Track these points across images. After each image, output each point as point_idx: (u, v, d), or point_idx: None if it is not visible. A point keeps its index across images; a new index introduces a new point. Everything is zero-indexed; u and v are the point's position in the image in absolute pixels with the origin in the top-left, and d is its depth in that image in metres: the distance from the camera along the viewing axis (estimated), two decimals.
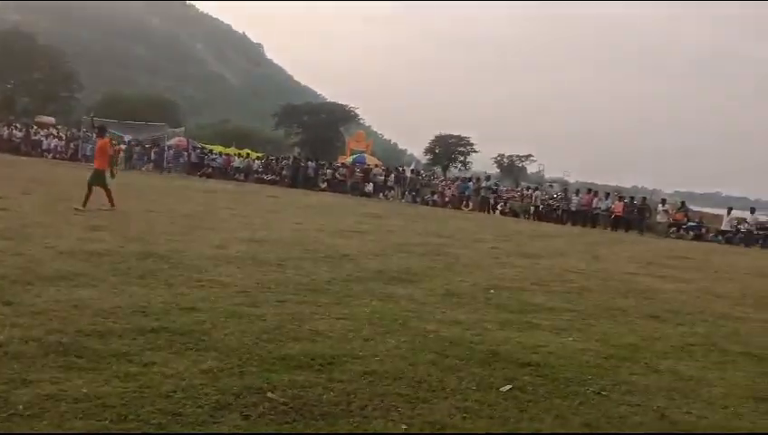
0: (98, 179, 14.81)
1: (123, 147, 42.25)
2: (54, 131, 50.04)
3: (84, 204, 14.02)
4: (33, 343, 4.63)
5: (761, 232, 28.71)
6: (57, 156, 43.85)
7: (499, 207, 34.37)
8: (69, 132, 49.34)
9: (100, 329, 5.16)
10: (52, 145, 45.50)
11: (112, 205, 14.61)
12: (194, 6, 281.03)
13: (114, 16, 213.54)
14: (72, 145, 45.09)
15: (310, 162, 42.98)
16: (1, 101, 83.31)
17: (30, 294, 6.00)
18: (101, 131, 16.91)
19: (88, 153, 43.73)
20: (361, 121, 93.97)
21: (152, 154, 42.93)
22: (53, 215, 12.55)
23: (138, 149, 43.02)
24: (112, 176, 15.41)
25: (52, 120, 59.28)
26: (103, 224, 11.75)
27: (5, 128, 47.07)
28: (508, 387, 4.76)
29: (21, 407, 3.61)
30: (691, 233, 29.36)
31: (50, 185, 20.25)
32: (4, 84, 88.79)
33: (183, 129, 49.62)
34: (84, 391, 3.92)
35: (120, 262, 8.14)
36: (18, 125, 51.04)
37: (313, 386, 4.38)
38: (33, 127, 50.57)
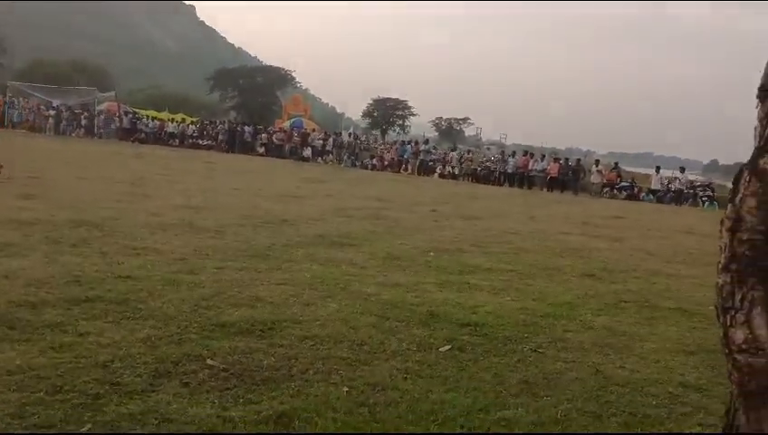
0: None
1: (50, 112, 40.98)
2: None
3: None
4: None
5: (690, 190, 29.65)
6: None
7: (438, 169, 34.58)
8: None
9: (32, 299, 5.02)
10: None
11: None
12: None
13: None
14: None
15: (246, 127, 42.43)
16: None
17: None
18: None
19: (15, 119, 42.35)
20: (299, 85, 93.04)
21: (82, 120, 41.70)
22: None
23: (67, 114, 41.73)
24: None
25: None
26: (33, 192, 11.39)
27: None
28: (447, 347, 4.82)
29: None
30: (624, 193, 30.13)
31: None
32: None
33: (114, 93, 48.22)
34: (17, 362, 3.81)
35: (52, 230, 7.92)
36: None
37: (254, 352, 4.36)
38: None
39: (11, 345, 4.07)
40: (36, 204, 10.11)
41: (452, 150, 38.55)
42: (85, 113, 42.02)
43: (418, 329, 5.23)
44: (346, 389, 3.90)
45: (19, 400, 3.37)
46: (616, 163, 34.76)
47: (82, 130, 41.04)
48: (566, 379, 4.43)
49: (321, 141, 38.70)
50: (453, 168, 34.38)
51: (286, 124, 45.60)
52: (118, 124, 41.54)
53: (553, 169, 31.17)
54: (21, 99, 45.00)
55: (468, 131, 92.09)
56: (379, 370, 4.26)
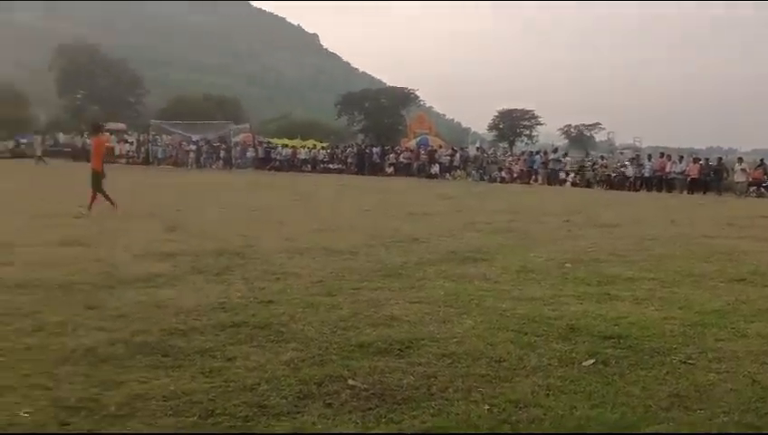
0: (94, 180, 13.69)
1: (191, 147, 43.17)
2: (125, 137, 51.45)
3: (112, 204, 13.57)
4: (120, 344, 4.78)
5: None
6: (130, 160, 45.09)
7: (569, 178, 33.77)
8: (139, 137, 50.62)
9: (182, 327, 5.28)
10: (124, 150, 46.78)
11: (90, 208, 13.32)
12: (248, 4, 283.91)
13: (170, 20, 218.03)
14: (142, 149, 46.31)
15: (374, 148, 43.08)
16: (72, 111, 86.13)
17: (114, 298, 6.19)
18: (95, 129, 15.49)
19: (159, 156, 45.00)
20: (422, 103, 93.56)
21: (220, 152, 43.72)
22: (128, 219, 12.91)
23: (206, 148, 43.87)
24: (102, 175, 13.94)
25: (122, 125, 60.92)
26: (178, 225, 12.02)
27: (79, 137, 48.60)
28: (591, 361, 4.68)
29: (113, 408, 3.73)
30: None
31: (122, 189, 20.81)
32: (73, 96, 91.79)
33: (248, 125, 50.38)
34: (172, 388, 4.02)
35: (197, 260, 8.32)
36: (104, 134, 52.51)
37: (393, 371, 4.39)
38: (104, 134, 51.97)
39: (165, 372, 4.29)
40: (181, 235, 10.66)
41: (584, 158, 37.59)
42: (223, 146, 44.02)
43: (558, 343, 5.10)
44: (487, 407, 3.86)
45: (175, 424, 3.55)
46: (761, 160, 32.68)
47: (221, 161, 42.99)
48: (720, 391, 4.20)
49: (448, 157, 38.71)
50: (585, 175, 33.49)
51: (412, 143, 45.98)
52: (253, 154, 43.25)
53: (693, 170, 29.71)
54: (163, 136, 47.80)
55: (599, 137, 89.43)
56: (520, 386, 4.19)
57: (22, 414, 3.61)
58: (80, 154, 44.17)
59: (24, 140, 55.70)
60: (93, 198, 13.47)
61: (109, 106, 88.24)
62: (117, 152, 46.67)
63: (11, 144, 56.70)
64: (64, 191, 13.57)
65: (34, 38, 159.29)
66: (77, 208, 13.20)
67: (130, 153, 46.41)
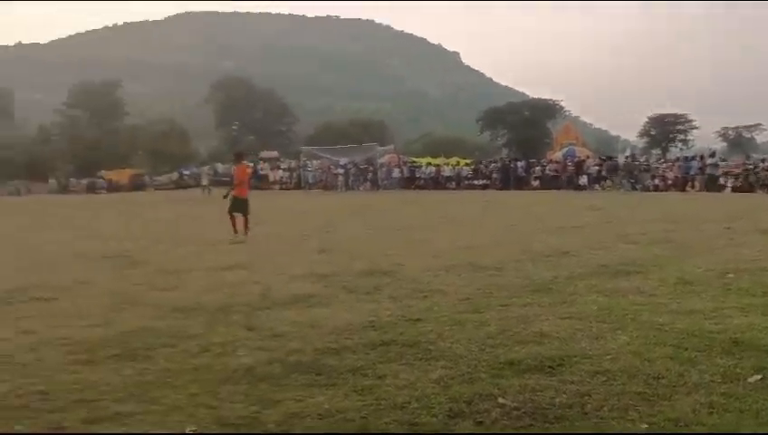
0: (240, 206, 14.13)
1: (339, 170, 44.34)
2: (278, 164, 53.70)
3: (236, 231, 13.95)
4: (277, 364, 4.97)
5: None
6: (283, 186, 46.99)
7: (729, 183, 31.86)
8: (290, 163, 52.71)
9: (335, 346, 5.43)
10: (278, 177, 48.80)
11: (235, 231, 13.91)
12: (390, 27, 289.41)
13: (312, 48, 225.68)
14: (294, 175, 48.14)
15: (519, 162, 42.57)
16: (229, 142, 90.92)
17: (270, 318, 6.46)
18: (237, 158, 16.12)
19: (310, 180, 46.62)
20: (568, 113, 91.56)
21: (368, 174, 44.69)
22: (284, 242, 13.45)
23: (353, 170, 44.97)
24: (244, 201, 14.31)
25: (275, 153, 63.60)
26: (329, 246, 12.38)
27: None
28: (758, 377, 4.39)
29: (271, 425, 3.89)
30: None
31: (277, 214, 21.70)
32: (230, 127, 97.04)
33: (393, 146, 51.24)
34: (326, 406, 4.13)
35: (348, 280, 8.52)
36: (246, 162, 55.27)
37: (544, 389, 4.30)
38: (259, 162, 54.54)
39: (319, 390, 4.42)
40: (332, 256, 10.98)
41: (744, 161, 35.38)
42: (370, 167, 44.99)
43: (722, 358, 4.82)
44: (645, 425, 3.70)
45: None
46: None
47: (368, 183, 43.95)
48: None
49: (596, 168, 37.60)
50: (748, 179, 31.48)
51: (558, 154, 45.05)
52: (399, 174, 43.92)
53: None
54: (313, 161, 49.51)
55: (760, 138, 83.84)
56: (680, 404, 3.98)
57: (188, 432, 3.83)
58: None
59: (186, 172, 59.43)
60: (245, 222, 14.04)
61: (262, 135, 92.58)
62: (271, 179, 48.86)
63: (175, 176, 60.60)
64: (224, 219, 14.28)
65: (194, 74, 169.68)
66: (232, 236, 13.87)
67: (283, 179, 48.34)
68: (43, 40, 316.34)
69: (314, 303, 7.18)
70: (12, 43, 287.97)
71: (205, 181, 41.39)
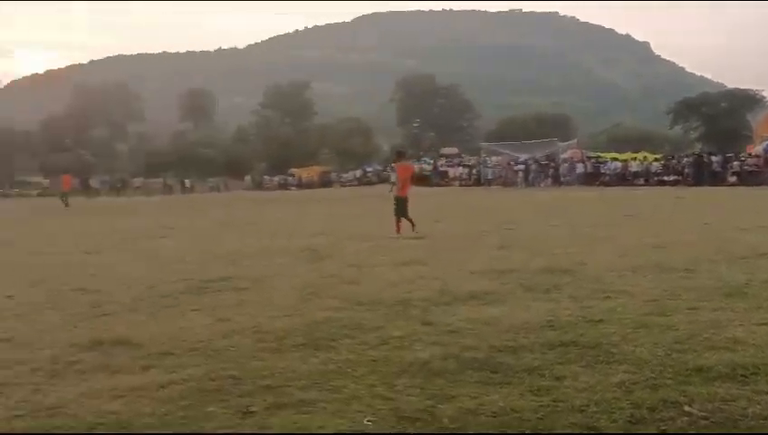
0: (399, 207, 14.22)
1: (519, 166, 43.77)
2: (458, 160, 54.00)
3: (398, 230, 14.03)
4: (452, 359, 4.99)
5: None
6: (462, 183, 47.16)
7: None
8: (470, 159, 52.83)
9: (511, 344, 5.37)
10: (458, 173, 49.05)
11: (397, 231, 13.97)
12: (575, 18, 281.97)
13: (495, 44, 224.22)
14: (473, 171, 48.15)
15: (714, 156, 39.99)
16: (410, 139, 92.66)
17: (446, 314, 6.51)
18: (398, 156, 15.92)
19: (489, 177, 46.44)
20: None
21: (548, 170, 43.85)
22: (463, 238, 13.49)
23: (534, 166, 44.28)
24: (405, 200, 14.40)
25: (455, 150, 64.05)
26: (508, 243, 12.27)
27: (416, 162, 52.04)
28: None
29: (446, 420, 3.92)
30: None
31: (456, 211, 21.82)
32: (411, 124, 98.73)
33: (575, 140, 50.01)
34: (501, 404, 4.10)
35: (526, 278, 8.40)
36: (427, 159, 56.16)
37: (736, 399, 4.02)
38: (439, 159, 55.14)
39: (494, 388, 4.40)
40: (511, 253, 10.87)
41: None
42: (551, 163, 44.11)
43: None
44: None
45: None
46: None
47: (549, 179, 43.11)
48: None
49: None
50: None
51: (759, 148, 41.78)
52: (582, 170, 42.69)
53: None
54: (493, 157, 49.30)
55: None
56: None
57: (365, 422, 3.94)
58: (419, 180, 47.37)
59: (369, 169, 61.21)
60: (397, 221, 14.15)
61: (443, 132, 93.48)
62: (451, 175, 49.21)
63: (358, 173, 62.57)
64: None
65: (379, 73, 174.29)
66: (403, 233, 14.02)
67: (463, 176, 48.50)
68: (241, 45, 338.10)
69: (491, 300, 7.14)
70: (212, 49, 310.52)
71: (393, 178, 42.49)
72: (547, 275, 8.60)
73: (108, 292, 8.20)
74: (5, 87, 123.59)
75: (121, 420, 4.00)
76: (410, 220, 14.18)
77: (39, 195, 64.01)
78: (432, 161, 54.95)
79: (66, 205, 33.91)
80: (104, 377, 4.79)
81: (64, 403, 4.25)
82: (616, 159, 44.90)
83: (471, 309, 6.71)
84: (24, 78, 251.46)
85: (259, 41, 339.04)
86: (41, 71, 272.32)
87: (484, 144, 53.69)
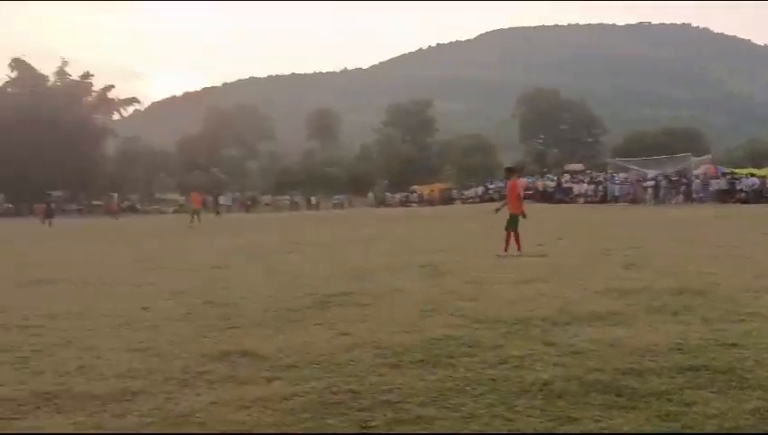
0: (511, 224, 13.84)
1: (648, 183, 42.27)
2: (583, 177, 52.71)
3: (506, 249, 13.63)
4: (575, 381, 4.87)
5: None
6: (588, 200, 45.99)
7: None
8: (596, 176, 51.50)
9: (637, 367, 5.18)
10: (582, 190, 47.87)
11: (506, 250, 13.56)
12: (708, 29, 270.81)
13: (622, 57, 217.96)
14: (599, 188, 46.86)
15: None
16: (534, 156, 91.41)
17: (569, 334, 6.36)
18: (510, 173, 15.39)
19: (616, 193, 45.06)
20: None
21: (680, 186, 42.08)
22: (586, 256, 13.15)
23: (664, 182, 42.62)
24: (523, 216, 13.97)
25: (580, 166, 62.66)
26: (635, 262, 11.87)
27: (539, 179, 51.26)
28: None
29: None
30: None
31: (580, 228, 21.30)
32: (535, 140, 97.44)
33: (709, 156, 47.72)
34: (626, 429, 3.97)
35: (653, 299, 8.10)
36: (550, 175, 55.20)
37: None
38: (563, 175, 54.09)
39: (619, 412, 4.26)
40: (638, 272, 10.51)
41: None
42: (682, 179, 42.34)
43: None
44: None
45: None
46: None
47: (680, 196, 41.35)
48: None
49: None
50: None
51: None
52: (716, 187, 40.75)
53: None
54: (620, 173, 47.81)
55: None
56: None
57: None
58: (542, 197, 46.65)
59: (491, 186, 60.78)
60: (507, 240, 13.71)
61: (568, 148, 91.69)
62: (575, 192, 48.10)
63: (480, 190, 62.29)
64: (524, 232, 14.33)
65: (502, 90, 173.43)
66: (499, 253, 13.66)
67: (588, 192, 47.30)
68: (365, 65, 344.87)
69: (616, 321, 6.92)
70: (338, 70, 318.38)
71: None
72: (676, 295, 8.26)
73: (236, 305, 8.52)
74: (145, 109, 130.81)
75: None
76: (515, 239, 13.73)
77: (174, 211, 67.34)
78: (555, 178, 53.94)
79: (195, 221, 34.77)
80: (231, 387, 4.98)
81: (194, 412, 4.45)
82: (753, 175, 42.54)
83: (595, 330, 6.53)
84: (163, 100, 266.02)
85: (383, 60, 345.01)
86: (179, 93, 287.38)
87: (610, 160, 52.16)
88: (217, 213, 35.09)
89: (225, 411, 4.44)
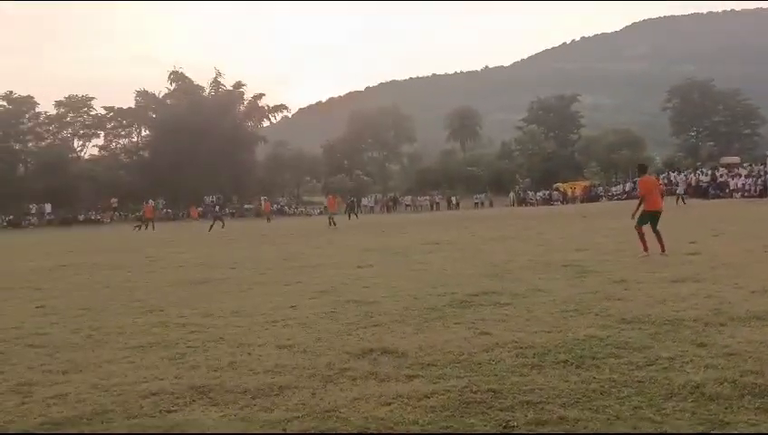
0: (641, 220, 13.23)
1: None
2: (740, 171, 49.73)
3: (645, 248, 12.94)
4: (728, 384, 4.62)
5: None
6: (746, 194, 43.38)
7: None
8: (754, 169, 48.41)
9: None
10: (739, 184, 45.21)
11: (645, 249, 12.92)
12: None
13: None
14: (759, 181, 44.08)
15: None
16: (686, 150, 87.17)
17: (723, 335, 6.03)
18: (641, 170, 14.69)
19: None
20: None
21: None
22: (743, 254, 12.40)
23: None
24: (652, 215, 13.31)
25: (736, 159, 59.16)
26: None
27: (693, 174, 48.83)
28: None
29: None
30: None
31: (737, 225, 20.09)
32: (688, 133, 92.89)
33: None
34: None
35: None
36: (704, 169, 52.44)
37: None
38: (718, 169, 51.27)
39: None
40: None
41: None
42: None
43: None
44: None
45: None
46: None
47: None
48: None
49: None
50: None
51: None
52: None
53: None
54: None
55: None
56: None
57: None
58: (695, 192, 44.48)
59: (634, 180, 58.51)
60: (659, 238, 13.10)
61: (723, 140, 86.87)
62: (731, 186, 45.47)
63: (627, 186, 60.18)
64: (677, 230, 13.71)
65: (651, 82, 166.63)
66: (642, 254, 12.99)
67: (746, 186, 44.63)
68: (506, 63, 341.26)
69: None
70: (479, 69, 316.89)
71: (681, 190, 40.53)
72: None
73: (378, 304, 8.68)
74: (293, 116, 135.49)
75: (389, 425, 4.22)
76: (643, 239, 13.09)
77: (320, 213, 69.35)
78: (710, 172, 51.19)
79: (332, 224, 35.16)
80: (373, 384, 5.09)
81: (337, 407, 4.58)
82: None
83: (751, 331, 6.17)
84: (309, 106, 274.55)
85: (525, 57, 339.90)
86: (324, 99, 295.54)
87: None
88: (332, 223, 33.78)
89: (368, 408, 4.54)
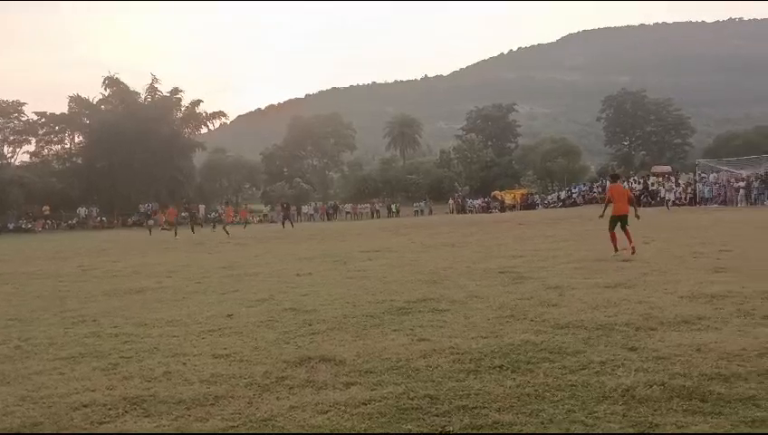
0: (611, 225, 14.47)
1: (740, 184, 40.81)
2: (671, 179, 51.24)
3: (616, 249, 14.13)
4: (658, 387, 4.75)
5: None
6: (676, 202, 44.67)
7: None
8: (684, 177, 49.98)
9: (723, 372, 5.03)
10: (670, 192, 46.56)
11: (615, 250, 14.07)
12: None
13: (713, 55, 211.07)
14: (689, 190, 45.48)
15: None
16: (619, 159, 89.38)
17: (653, 340, 6.20)
18: (613, 178, 16.76)
19: (706, 195, 43.60)
20: None
21: None
22: (673, 260, 12.76)
23: (757, 183, 41.01)
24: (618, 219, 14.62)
25: (668, 168, 60.91)
26: (725, 265, 11.47)
27: (625, 182, 49.95)
28: None
29: None
30: None
31: (667, 231, 20.66)
32: (621, 142, 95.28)
33: None
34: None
35: (743, 303, 7.82)
36: (636, 178, 53.83)
37: None
38: (649, 177, 52.67)
39: (703, 418, 4.15)
40: (727, 277, 10.13)
41: None
42: None
43: None
44: None
45: None
46: None
47: None
48: None
49: None
50: None
51: None
52: None
53: None
54: (710, 175, 46.24)
55: None
56: None
57: None
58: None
59: (575, 190, 59.80)
60: (628, 237, 14.19)
61: (655, 150, 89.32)
62: (663, 195, 46.80)
63: (563, 194, 61.41)
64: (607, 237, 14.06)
65: (586, 92, 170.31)
66: (613, 254, 13.88)
67: (677, 194, 45.99)
68: (445, 72, 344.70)
69: (703, 326, 6.71)
70: (419, 78, 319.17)
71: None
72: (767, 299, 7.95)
73: (317, 311, 8.64)
74: (231, 123, 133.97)
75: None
76: (614, 240, 14.31)
77: (259, 221, 68.73)
78: (642, 180, 52.58)
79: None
80: (310, 392, 5.07)
81: (273, 416, 4.55)
82: None
83: (680, 335, 6.35)
84: (248, 113, 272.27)
85: (464, 66, 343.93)
86: (263, 106, 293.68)
87: (701, 161, 50.43)
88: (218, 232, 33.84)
89: (304, 416, 4.52)
